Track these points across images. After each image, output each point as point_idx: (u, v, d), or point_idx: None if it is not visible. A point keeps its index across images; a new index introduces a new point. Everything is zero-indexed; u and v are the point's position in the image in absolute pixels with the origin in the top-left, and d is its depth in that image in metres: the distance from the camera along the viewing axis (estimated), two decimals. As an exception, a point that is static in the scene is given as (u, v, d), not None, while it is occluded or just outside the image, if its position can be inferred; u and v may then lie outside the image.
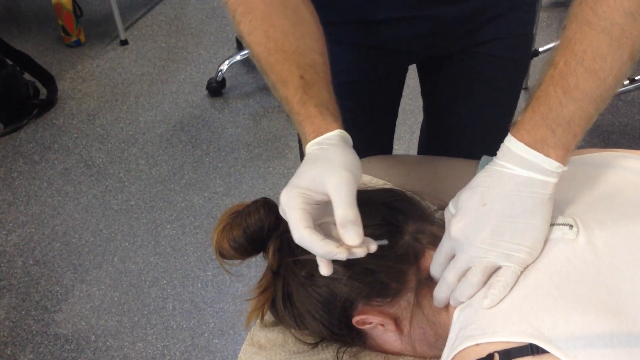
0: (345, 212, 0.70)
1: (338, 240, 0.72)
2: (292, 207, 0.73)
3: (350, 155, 0.77)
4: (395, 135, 2.57)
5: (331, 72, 1.08)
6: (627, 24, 0.71)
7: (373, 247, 0.75)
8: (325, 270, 0.77)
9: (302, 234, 0.71)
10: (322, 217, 0.77)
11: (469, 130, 1.36)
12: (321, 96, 0.83)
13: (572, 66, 0.73)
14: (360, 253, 0.72)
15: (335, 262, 0.84)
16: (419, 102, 1.45)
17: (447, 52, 1.21)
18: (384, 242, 0.77)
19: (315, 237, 0.71)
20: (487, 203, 0.75)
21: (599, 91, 0.73)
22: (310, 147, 0.79)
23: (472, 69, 1.24)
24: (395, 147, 2.53)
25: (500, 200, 0.74)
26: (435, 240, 0.85)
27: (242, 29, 0.88)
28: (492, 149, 1.40)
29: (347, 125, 1.27)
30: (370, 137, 1.34)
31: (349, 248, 0.71)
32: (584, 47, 0.72)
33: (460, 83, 1.28)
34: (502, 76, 1.26)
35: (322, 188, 0.73)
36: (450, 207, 0.81)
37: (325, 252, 0.71)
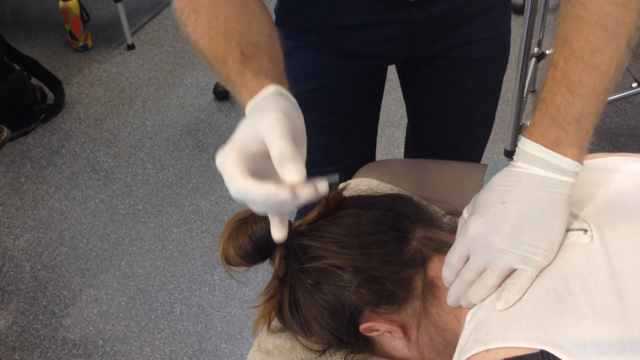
0: (280, 147, 0.64)
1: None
2: (225, 163, 0.67)
3: (283, 100, 0.73)
4: (402, 140, 2.58)
5: (307, 77, 1.07)
6: (620, 14, 0.72)
7: (322, 185, 0.67)
8: (277, 233, 0.72)
9: (236, 184, 0.65)
10: (265, 175, 0.69)
11: (449, 132, 1.36)
12: (261, 65, 0.78)
13: (573, 63, 0.73)
14: (306, 193, 0.65)
15: (341, 270, 0.83)
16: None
17: (422, 55, 1.21)
18: (335, 176, 0.70)
19: (251, 182, 0.65)
20: (507, 201, 0.74)
21: (603, 84, 0.73)
22: (247, 111, 0.75)
23: (449, 72, 1.24)
24: (402, 150, 2.53)
25: (519, 199, 0.74)
26: (442, 246, 0.84)
27: (188, 29, 0.85)
28: (472, 150, 1.42)
29: (327, 129, 1.27)
30: (351, 140, 1.34)
31: (292, 188, 0.64)
32: (581, 43, 0.73)
33: (437, 85, 1.28)
34: (480, 77, 1.27)
35: (256, 136, 0.67)
36: (465, 213, 0.80)
37: (264, 195, 0.64)
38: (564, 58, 0.74)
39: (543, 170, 0.73)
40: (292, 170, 0.64)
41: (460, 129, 1.35)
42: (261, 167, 0.69)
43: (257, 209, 0.68)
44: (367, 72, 1.23)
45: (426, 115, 1.36)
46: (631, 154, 0.90)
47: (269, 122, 0.66)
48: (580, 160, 0.73)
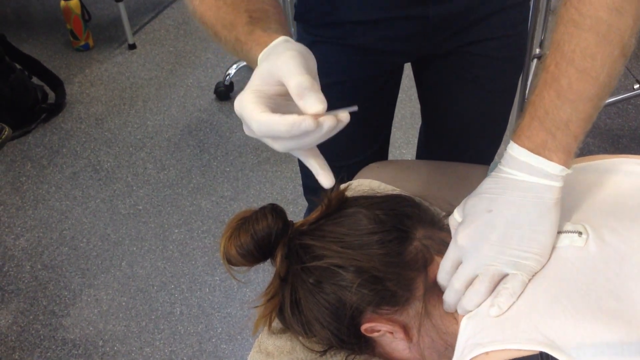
0: (298, 80, 0.65)
1: None
2: (244, 103, 0.67)
3: (296, 44, 0.73)
4: (404, 140, 2.59)
5: (323, 72, 1.06)
6: (613, 20, 0.71)
7: (343, 114, 0.68)
8: (324, 179, 0.72)
9: (259, 119, 0.65)
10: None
11: (463, 131, 1.36)
12: (269, 25, 0.79)
13: (563, 67, 0.73)
14: (329, 122, 0.66)
15: (343, 270, 0.83)
16: (428, 106, 1.44)
17: (438, 52, 1.21)
18: (354, 108, 0.70)
19: (273, 116, 0.65)
20: (494, 210, 0.74)
21: (594, 90, 0.73)
22: (259, 60, 0.75)
23: (464, 69, 1.24)
24: (403, 151, 2.53)
25: (506, 207, 0.74)
26: (444, 246, 0.84)
27: (195, 3, 0.86)
28: (487, 150, 1.42)
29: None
30: (364, 137, 1.34)
31: (315, 118, 0.65)
32: (573, 47, 0.72)
33: (452, 84, 1.28)
34: (495, 76, 1.26)
35: (273, 77, 0.68)
36: (456, 214, 0.81)
37: (288, 125, 0.64)
38: (555, 62, 0.74)
39: (529, 175, 0.73)
40: (313, 100, 0.65)
41: (474, 128, 1.35)
42: (279, 108, 0.68)
43: (282, 144, 0.68)
44: (382, 69, 1.24)
45: (440, 113, 1.36)
46: (631, 156, 0.90)
47: (284, 60, 0.67)
48: (567, 164, 0.73)
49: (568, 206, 0.79)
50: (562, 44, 0.73)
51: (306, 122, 0.64)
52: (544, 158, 0.72)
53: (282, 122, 0.64)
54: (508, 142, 0.77)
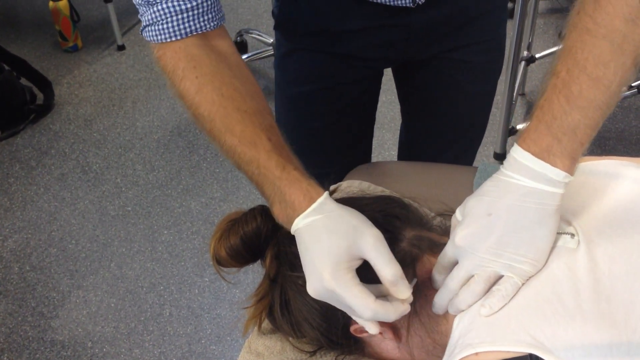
0: (393, 271, 0.74)
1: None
2: (349, 287, 0.75)
3: (358, 213, 0.80)
4: (393, 141, 2.60)
5: (304, 79, 1.10)
6: (628, 30, 0.71)
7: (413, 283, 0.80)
8: (373, 329, 0.80)
9: (375, 309, 0.74)
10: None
11: (443, 133, 1.37)
12: (293, 158, 0.85)
13: (575, 74, 0.72)
14: (410, 299, 0.77)
15: None
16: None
17: (419, 58, 1.21)
18: (414, 280, 0.81)
19: (387, 307, 0.75)
20: (493, 213, 0.74)
21: (604, 98, 0.72)
22: (312, 216, 0.79)
23: (446, 74, 1.25)
24: (392, 152, 2.54)
25: (506, 211, 0.73)
26: (432, 246, 0.84)
27: (187, 85, 0.88)
28: (466, 151, 1.43)
29: (323, 132, 1.28)
30: (347, 142, 1.34)
31: (403, 302, 0.77)
32: (586, 55, 0.72)
33: (433, 87, 1.29)
34: (476, 80, 1.28)
35: (360, 254, 0.76)
36: (457, 213, 0.81)
37: (398, 315, 0.76)
38: (566, 68, 0.73)
39: (531, 180, 0.72)
40: (404, 290, 0.76)
41: (454, 131, 1.36)
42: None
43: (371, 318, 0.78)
44: (363, 74, 1.24)
45: (421, 116, 1.37)
46: (622, 158, 0.91)
47: (373, 243, 0.76)
48: (570, 171, 0.72)
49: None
50: (574, 51, 0.73)
51: (406, 309, 0.77)
52: (548, 163, 0.72)
53: (393, 313, 0.75)
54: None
